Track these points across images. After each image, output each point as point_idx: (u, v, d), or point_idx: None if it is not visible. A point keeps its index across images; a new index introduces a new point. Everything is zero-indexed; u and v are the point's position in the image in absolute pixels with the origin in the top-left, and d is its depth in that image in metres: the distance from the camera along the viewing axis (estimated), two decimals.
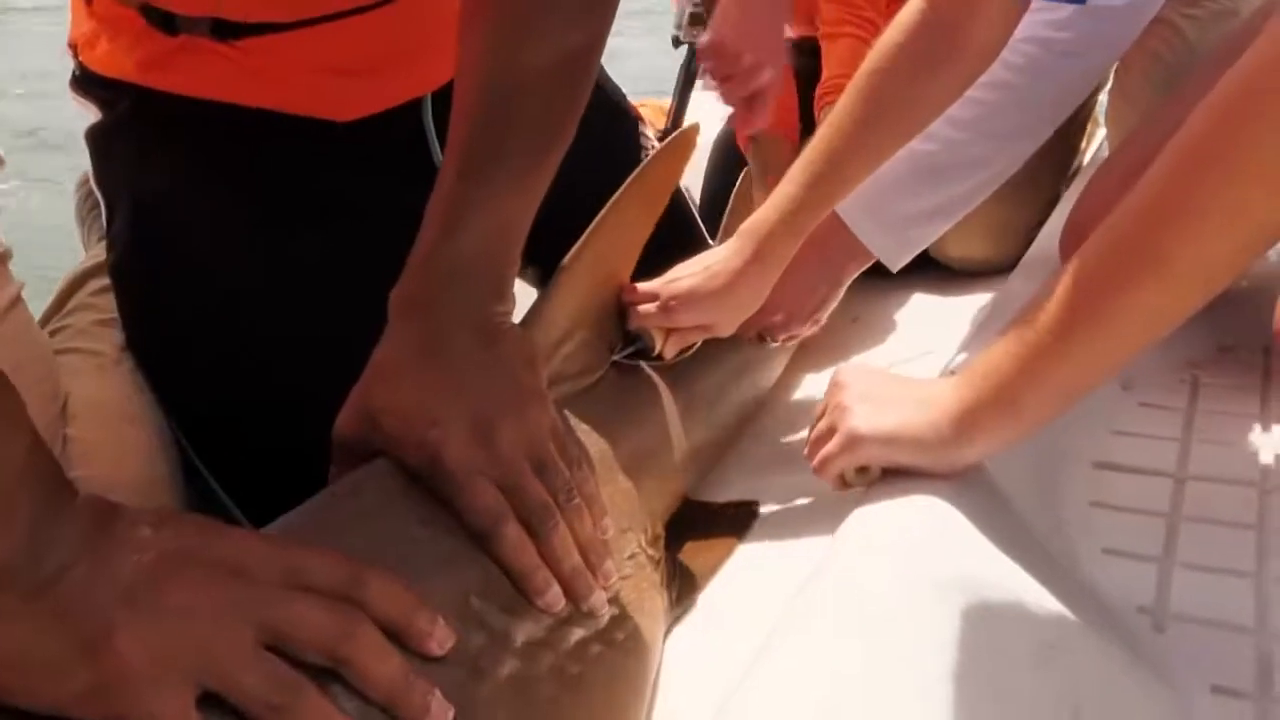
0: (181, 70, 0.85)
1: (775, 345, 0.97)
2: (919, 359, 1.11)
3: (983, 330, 0.92)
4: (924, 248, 1.00)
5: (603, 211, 0.78)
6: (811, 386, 1.12)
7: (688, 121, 2.24)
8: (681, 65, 1.68)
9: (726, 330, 0.87)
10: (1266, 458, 0.74)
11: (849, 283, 0.99)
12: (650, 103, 2.32)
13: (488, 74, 0.66)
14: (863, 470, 0.65)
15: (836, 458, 0.65)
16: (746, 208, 1.00)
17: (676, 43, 1.55)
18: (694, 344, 0.86)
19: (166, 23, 0.83)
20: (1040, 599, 0.57)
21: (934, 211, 0.98)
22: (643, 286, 0.84)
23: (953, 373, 0.78)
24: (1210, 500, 0.69)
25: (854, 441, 0.64)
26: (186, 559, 0.46)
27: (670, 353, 0.84)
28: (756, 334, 0.94)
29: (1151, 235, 0.53)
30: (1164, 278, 0.53)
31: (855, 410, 0.64)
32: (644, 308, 0.82)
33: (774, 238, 0.84)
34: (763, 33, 1.14)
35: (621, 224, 0.80)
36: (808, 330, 0.98)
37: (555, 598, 0.59)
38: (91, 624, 0.42)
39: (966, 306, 1.20)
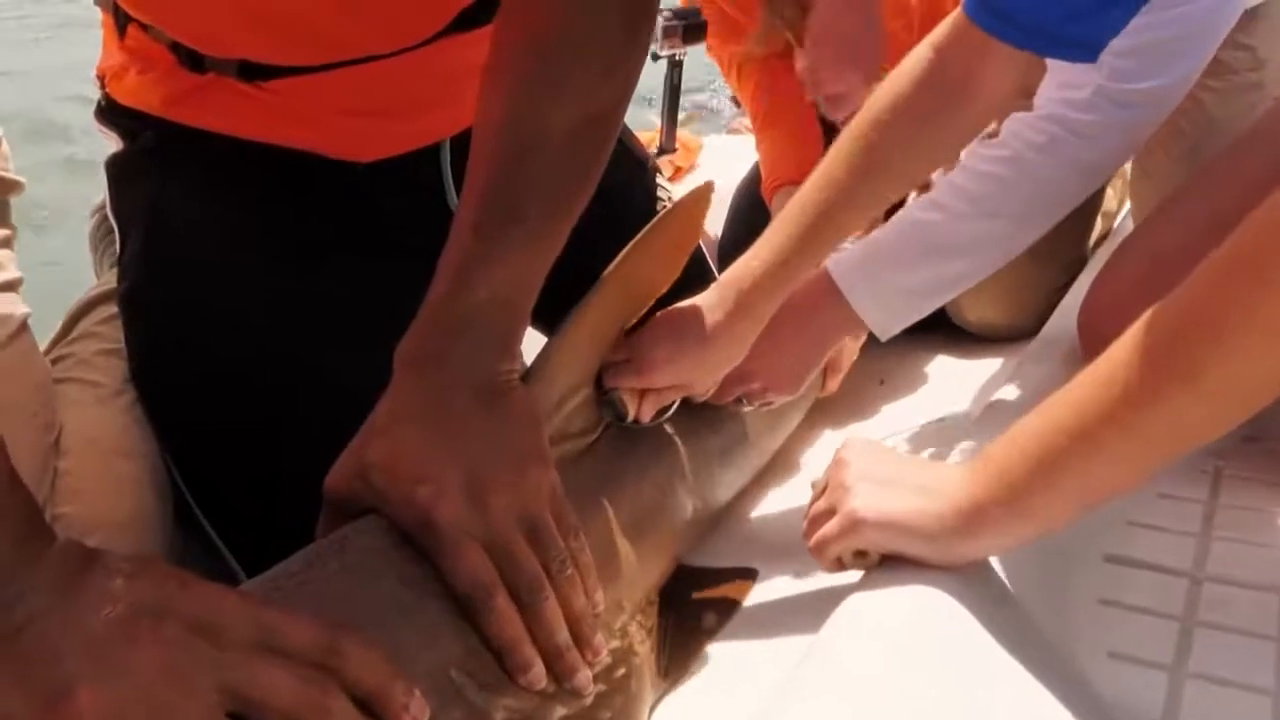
0: (205, 106, 0.85)
1: (750, 409, 0.93)
2: (934, 425, 1.09)
3: (998, 406, 0.90)
4: (915, 321, 0.95)
5: (611, 265, 0.76)
6: (825, 446, 1.10)
7: (714, 160, 2.25)
8: (665, 80, 1.64)
9: (702, 390, 0.84)
10: None
11: (831, 351, 0.95)
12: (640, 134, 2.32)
13: (509, 130, 0.66)
14: (861, 554, 0.63)
15: (834, 540, 0.63)
16: None
17: (654, 57, 1.53)
18: (672, 404, 0.83)
19: (195, 62, 0.84)
20: (1040, 705, 0.54)
21: (931, 287, 0.93)
22: (621, 343, 0.80)
23: (961, 452, 0.76)
24: (1228, 605, 0.66)
25: (854, 525, 0.61)
26: (158, 614, 0.45)
27: (647, 415, 0.80)
28: (734, 399, 0.90)
29: (1186, 347, 0.50)
30: (1196, 393, 0.50)
31: (857, 491, 0.62)
32: (617, 367, 0.78)
33: (758, 291, 0.80)
34: (861, 44, 1.12)
35: (629, 280, 0.78)
36: (786, 398, 0.94)
37: (538, 676, 0.57)
38: (54, 680, 0.42)
39: (988, 371, 1.18)
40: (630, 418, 0.79)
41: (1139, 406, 0.52)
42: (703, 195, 0.83)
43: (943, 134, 0.81)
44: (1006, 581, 0.64)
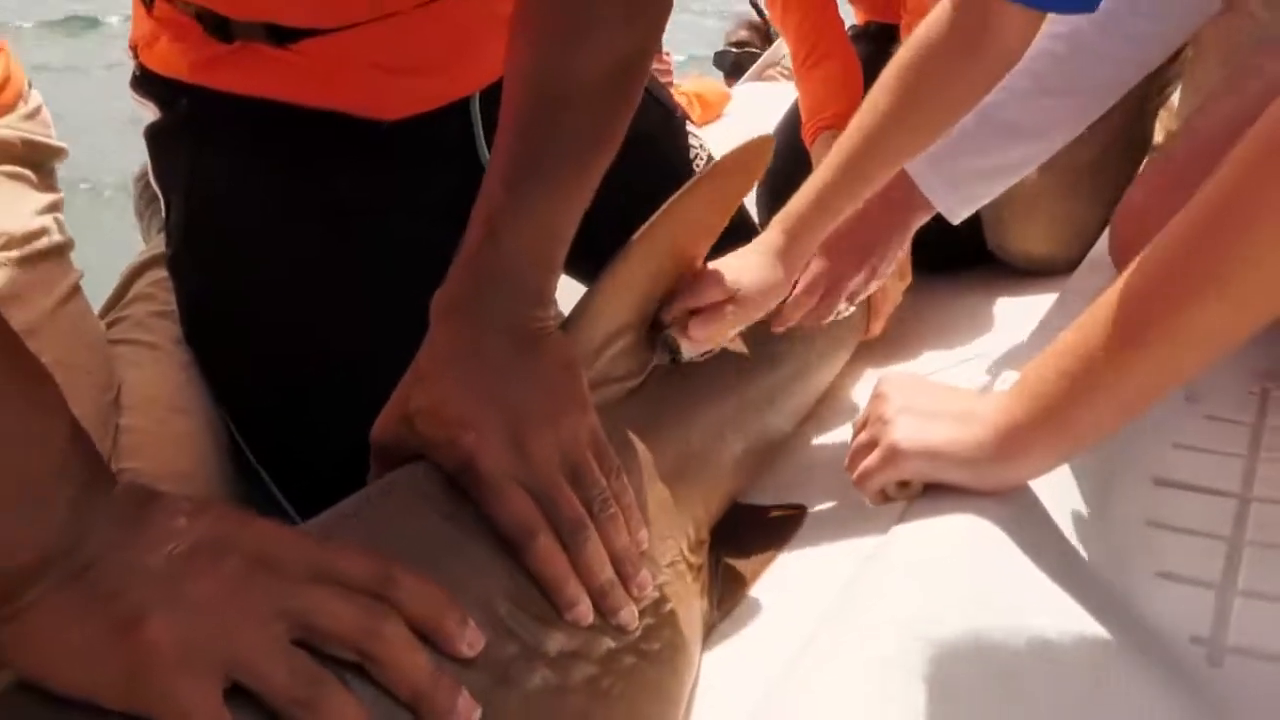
0: (236, 70, 0.86)
1: (845, 310, 0.96)
2: (975, 361, 1.09)
3: (1038, 337, 0.89)
4: (986, 202, 0.98)
5: (658, 213, 0.76)
6: (869, 384, 1.09)
7: (744, 108, 2.22)
8: None
9: (754, 308, 0.85)
10: None
11: (912, 233, 0.98)
12: (695, 85, 2.27)
13: (535, 82, 0.66)
14: (904, 485, 0.63)
15: (877, 472, 0.63)
16: None
17: None
18: (718, 344, 0.83)
19: (222, 31, 0.85)
20: (1086, 627, 0.55)
21: (999, 167, 0.95)
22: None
23: (1003, 383, 0.76)
24: (1277, 524, 0.65)
25: (895, 456, 0.62)
26: (220, 549, 0.46)
27: (697, 331, 0.80)
28: (820, 297, 0.93)
29: (1209, 250, 0.50)
30: (1223, 295, 0.50)
31: (897, 423, 0.63)
32: (671, 298, 0.80)
33: (805, 220, 0.85)
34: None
35: (675, 227, 0.77)
36: (872, 287, 0.97)
37: (584, 613, 0.58)
38: (124, 610, 0.43)
39: (1032, 307, 1.17)
40: (683, 356, 0.80)
41: (1167, 312, 0.52)
42: (762, 147, 0.82)
43: (969, 76, 0.85)
44: (1051, 507, 0.64)
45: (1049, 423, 0.57)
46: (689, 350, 0.80)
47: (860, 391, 1.10)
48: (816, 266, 0.92)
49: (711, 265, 0.83)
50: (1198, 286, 0.50)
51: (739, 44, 3.32)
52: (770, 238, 0.86)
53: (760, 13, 3.14)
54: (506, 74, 0.68)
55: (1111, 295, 0.55)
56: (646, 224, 0.76)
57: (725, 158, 0.80)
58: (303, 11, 0.83)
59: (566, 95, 0.66)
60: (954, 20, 0.83)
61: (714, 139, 1.91)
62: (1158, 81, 1.13)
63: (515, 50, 0.68)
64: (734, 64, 3.29)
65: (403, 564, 0.50)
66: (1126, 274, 0.54)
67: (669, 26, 0.74)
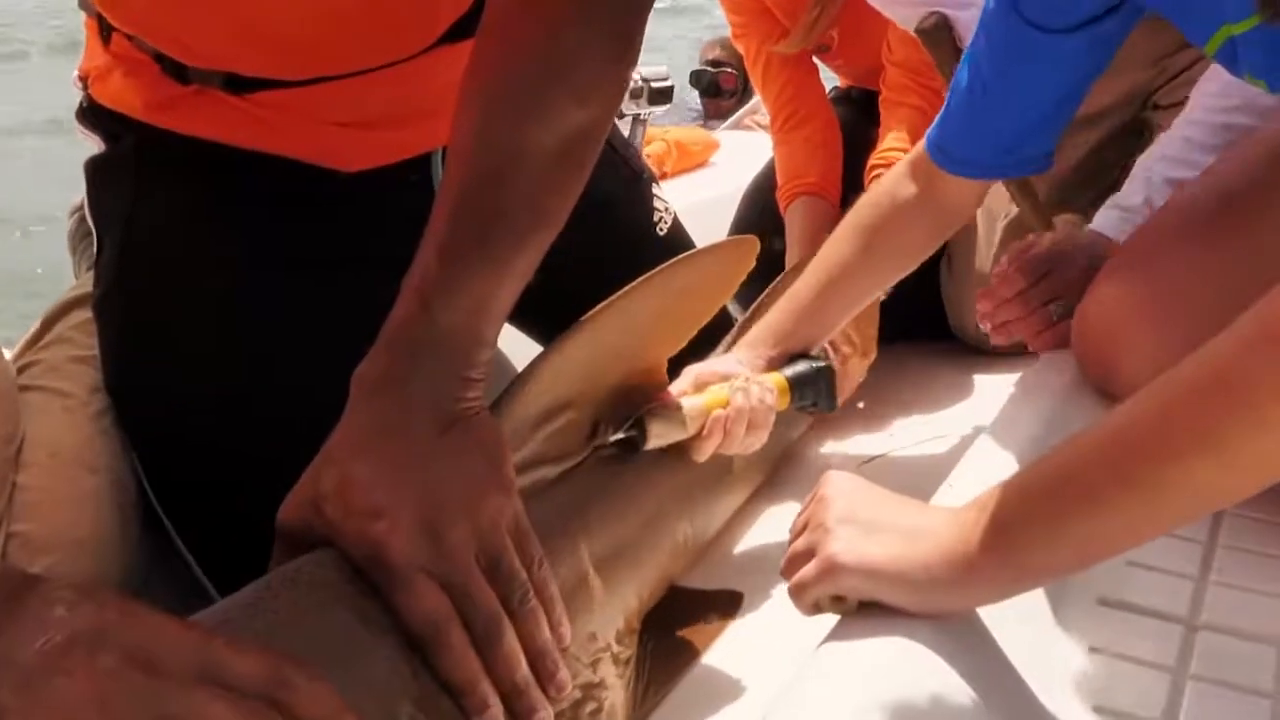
0: (189, 113, 0.83)
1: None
2: (934, 442, 1.07)
3: (997, 425, 0.86)
4: None
5: (618, 294, 0.73)
6: (828, 455, 1.08)
7: (725, 158, 2.21)
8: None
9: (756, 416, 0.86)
10: None
11: None
12: (680, 133, 2.26)
13: (481, 153, 0.64)
14: (838, 599, 0.60)
15: (812, 584, 0.60)
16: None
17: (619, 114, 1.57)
18: (679, 435, 0.80)
19: (178, 72, 0.82)
20: None
21: None
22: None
23: (951, 486, 0.73)
24: (1223, 657, 0.63)
25: (832, 569, 0.58)
26: (97, 644, 0.43)
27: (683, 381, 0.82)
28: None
29: (1212, 413, 0.48)
30: (1218, 461, 0.48)
31: (837, 534, 0.59)
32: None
33: (778, 336, 0.91)
34: None
35: (631, 312, 0.74)
36: None
37: (496, 715, 0.55)
38: None
39: (995, 385, 1.15)
40: (649, 443, 0.77)
41: (1156, 467, 0.49)
42: (743, 250, 0.79)
43: (919, 234, 0.95)
44: (991, 623, 0.61)
45: (1005, 557, 0.53)
46: (655, 438, 0.77)
47: (817, 460, 1.07)
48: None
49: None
50: (1188, 445, 0.48)
51: (715, 63, 3.29)
52: (746, 355, 0.89)
53: None
54: (451, 142, 0.65)
55: (1091, 437, 0.52)
56: (601, 304, 0.72)
57: (699, 252, 0.77)
58: (262, 64, 0.80)
59: (512, 169, 0.63)
60: (910, 182, 0.91)
61: (697, 185, 1.93)
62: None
63: (461, 119, 0.65)
64: (710, 83, 3.26)
65: (297, 663, 0.47)
66: (1110, 417, 0.52)
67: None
